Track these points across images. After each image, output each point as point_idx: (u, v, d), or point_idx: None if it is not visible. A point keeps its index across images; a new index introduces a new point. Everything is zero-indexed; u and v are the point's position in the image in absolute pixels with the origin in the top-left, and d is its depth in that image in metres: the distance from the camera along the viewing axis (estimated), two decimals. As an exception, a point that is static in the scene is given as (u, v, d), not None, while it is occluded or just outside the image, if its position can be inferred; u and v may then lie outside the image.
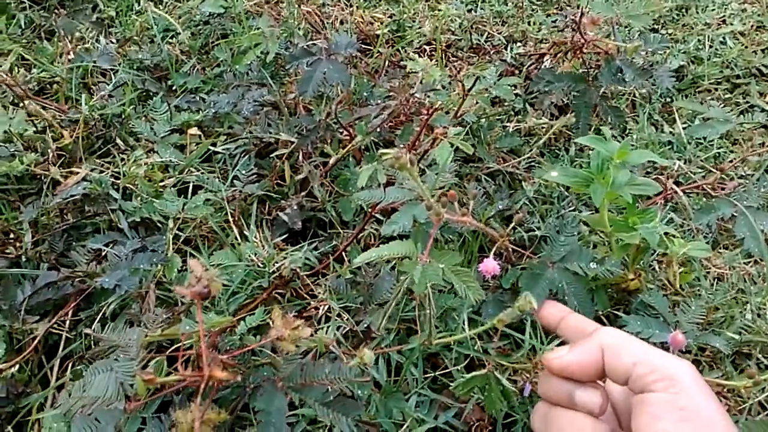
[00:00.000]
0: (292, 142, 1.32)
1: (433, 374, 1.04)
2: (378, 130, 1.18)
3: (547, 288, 1.06)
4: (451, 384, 0.93)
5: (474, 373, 0.91)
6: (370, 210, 1.21)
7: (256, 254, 1.15)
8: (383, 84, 1.36)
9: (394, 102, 1.13)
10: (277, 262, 1.14)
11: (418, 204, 1.05)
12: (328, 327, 1.09)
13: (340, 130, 1.36)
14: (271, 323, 0.74)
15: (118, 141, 1.45)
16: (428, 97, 1.15)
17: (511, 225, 1.06)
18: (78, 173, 1.34)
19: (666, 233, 1.10)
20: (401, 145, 1.18)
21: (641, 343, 0.62)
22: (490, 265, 0.99)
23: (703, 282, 1.22)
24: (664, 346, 1.07)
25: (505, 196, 1.38)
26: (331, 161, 1.21)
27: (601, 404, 0.63)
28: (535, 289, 1.06)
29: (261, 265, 1.15)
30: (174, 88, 1.63)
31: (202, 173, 1.37)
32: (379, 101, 1.39)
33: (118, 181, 1.32)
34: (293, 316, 0.74)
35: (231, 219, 1.23)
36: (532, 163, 1.52)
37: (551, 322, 0.81)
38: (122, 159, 1.39)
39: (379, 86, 1.37)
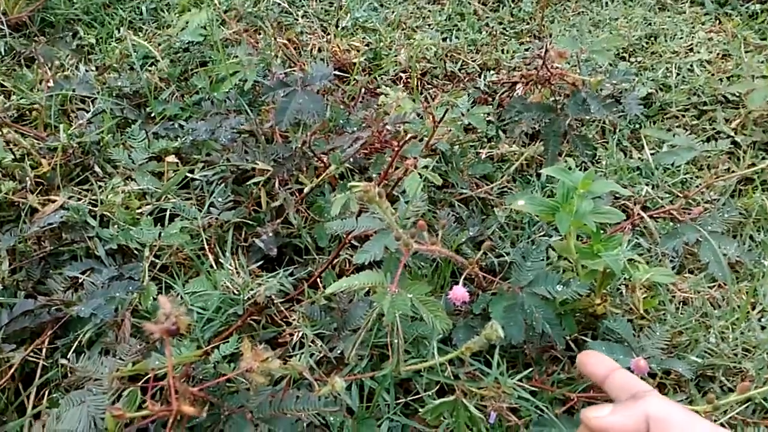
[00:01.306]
0: (269, 170, 1.34)
1: (404, 400, 1.07)
2: (352, 159, 1.21)
3: (518, 313, 1.09)
4: (423, 409, 0.95)
5: (442, 400, 0.94)
6: (344, 237, 1.23)
7: (231, 282, 1.17)
8: (358, 112, 1.39)
9: (366, 133, 1.16)
10: (251, 290, 1.16)
11: (389, 233, 1.08)
12: (302, 354, 1.11)
13: (316, 159, 1.38)
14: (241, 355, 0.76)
15: (96, 168, 1.46)
16: (400, 127, 1.18)
17: (480, 252, 1.09)
18: (56, 201, 1.35)
19: (630, 259, 1.14)
20: (373, 175, 1.21)
21: (689, 416, 0.57)
22: (459, 292, 1.02)
23: (668, 306, 1.26)
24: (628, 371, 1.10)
25: (477, 222, 1.41)
26: (306, 189, 1.24)
27: None
28: (504, 314, 1.09)
29: (236, 293, 1.17)
30: (153, 115, 1.66)
31: (180, 200, 1.39)
32: (355, 129, 1.42)
33: (96, 209, 1.33)
34: (263, 348, 0.75)
35: (207, 246, 1.25)
36: (505, 189, 1.56)
37: (597, 376, 0.72)
38: (100, 187, 1.40)
39: (355, 115, 1.40)
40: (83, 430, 0.72)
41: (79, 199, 1.38)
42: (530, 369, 1.10)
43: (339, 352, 1.12)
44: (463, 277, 1.07)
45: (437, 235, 1.03)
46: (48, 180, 1.42)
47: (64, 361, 0.97)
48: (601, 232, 1.14)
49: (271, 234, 1.31)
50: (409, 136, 1.12)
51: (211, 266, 1.25)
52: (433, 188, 1.53)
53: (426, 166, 1.05)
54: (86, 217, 1.32)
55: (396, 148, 1.10)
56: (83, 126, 1.55)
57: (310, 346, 1.13)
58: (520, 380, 1.03)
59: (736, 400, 0.89)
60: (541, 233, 1.43)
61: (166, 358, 0.68)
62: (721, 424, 1.05)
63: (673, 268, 1.37)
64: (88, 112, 1.62)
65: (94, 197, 1.38)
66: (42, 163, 1.42)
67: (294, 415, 0.78)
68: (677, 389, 1.12)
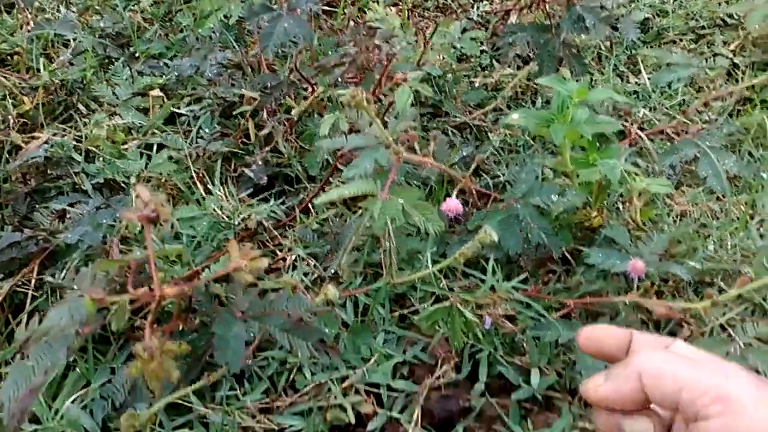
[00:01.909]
0: (256, 99, 1.31)
1: (400, 312, 1.05)
2: (340, 81, 1.18)
3: (514, 225, 1.07)
4: (417, 316, 0.94)
5: (437, 306, 0.93)
6: (335, 162, 1.21)
7: (221, 208, 1.15)
8: (347, 42, 1.36)
9: (354, 49, 1.13)
10: (241, 214, 1.14)
11: (379, 148, 1.05)
12: (294, 274, 1.10)
13: (304, 86, 1.35)
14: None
15: (80, 106, 1.44)
16: (389, 44, 1.15)
17: (473, 166, 1.06)
18: (39, 138, 1.33)
19: (627, 171, 1.11)
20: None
21: (686, 363, 0.51)
22: (452, 203, 1.00)
23: (666, 219, 1.24)
24: (625, 277, 1.09)
25: (471, 147, 1.38)
26: (293, 113, 1.21)
27: None
28: (499, 227, 1.07)
29: (226, 218, 1.15)
30: (137, 54, 1.62)
31: (166, 134, 1.36)
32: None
33: (81, 145, 1.31)
34: (251, 248, 0.74)
35: (195, 176, 1.23)
36: (499, 116, 1.53)
37: (613, 347, 0.60)
38: (84, 123, 1.38)
39: (343, 44, 1.36)
40: (66, 324, 0.70)
41: (64, 136, 1.35)
42: (523, 280, 1.08)
43: (333, 271, 1.10)
44: (456, 190, 1.04)
45: (429, 151, 1.01)
46: (31, 118, 1.39)
47: (50, 279, 0.95)
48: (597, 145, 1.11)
49: (260, 163, 1.28)
50: (398, 49, 1.09)
51: (202, 196, 1.23)
52: (426, 116, 1.50)
53: (416, 77, 1.02)
54: (71, 152, 1.29)
55: (385, 64, 1.07)
56: (65, 64, 1.52)
57: (303, 267, 1.11)
58: (515, 289, 1.02)
59: (735, 294, 0.87)
60: (537, 157, 1.40)
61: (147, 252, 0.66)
62: (721, 326, 1.04)
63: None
64: (70, 53, 1.58)
65: (78, 134, 1.36)
66: (24, 102, 1.39)
67: (284, 313, 0.76)
68: (676, 294, 1.10)
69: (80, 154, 1.30)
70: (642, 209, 1.17)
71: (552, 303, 1.04)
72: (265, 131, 1.30)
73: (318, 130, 1.28)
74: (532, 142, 1.45)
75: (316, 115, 1.38)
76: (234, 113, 1.36)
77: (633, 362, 0.53)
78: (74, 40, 1.60)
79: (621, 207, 1.26)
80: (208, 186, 1.25)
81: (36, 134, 1.35)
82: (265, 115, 1.35)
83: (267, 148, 1.29)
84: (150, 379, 0.70)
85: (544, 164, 1.30)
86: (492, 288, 1.00)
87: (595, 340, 0.59)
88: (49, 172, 1.29)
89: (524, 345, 1.00)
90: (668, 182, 1.14)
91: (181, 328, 0.86)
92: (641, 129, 1.48)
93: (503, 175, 1.30)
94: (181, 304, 0.82)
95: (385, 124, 1.23)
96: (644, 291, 1.05)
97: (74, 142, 1.32)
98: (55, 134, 1.36)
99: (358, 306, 1.07)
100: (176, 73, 1.49)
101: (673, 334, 1.06)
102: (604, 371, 0.55)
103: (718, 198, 1.31)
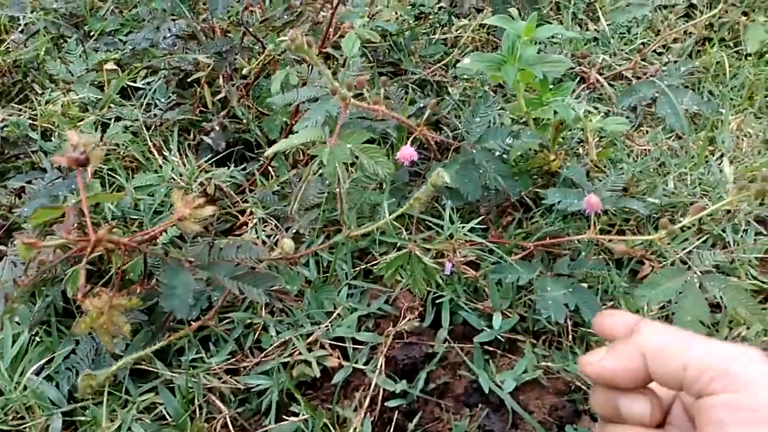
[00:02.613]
0: (210, 65, 1.30)
1: (362, 266, 1.05)
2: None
3: (471, 171, 1.07)
4: (377, 266, 0.94)
5: (396, 253, 0.92)
6: (291, 122, 1.20)
7: (180, 175, 1.14)
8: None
9: (298, 1, 1.11)
10: (198, 179, 1.13)
11: (330, 99, 1.04)
12: (257, 237, 1.09)
13: (259, 49, 1.34)
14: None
15: (35, 86, 1.42)
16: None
17: (426, 113, 1.06)
18: (-7, 119, 1.31)
19: (585, 111, 1.11)
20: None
21: (690, 338, 0.49)
22: (407, 151, 1.00)
23: (625, 159, 1.24)
24: (586, 217, 1.09)
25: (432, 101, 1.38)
26: (244, 71, 1.20)
27: (651, 413, 0.52)
28: (457, 174, 1.07)
29: (185, 185, 1.14)
30: (91, 33, 1.59)
31: (123, 107, 1.34)
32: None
33: (37, 123, 1.29)
34: (195, 197, 0.73)
35: (151, 144, 1.22)
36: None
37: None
38: (40, 103, 1.36)
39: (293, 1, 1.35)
40: (5, 277, 0.70)
41: (20, 115, 1.33)
42: (484, 229, 1.08)
43: (294, 231, 1.10)
44: (410, 138, 1.04)
45: (380, 98, 1.00)
46: (-16, 101, 1.37)
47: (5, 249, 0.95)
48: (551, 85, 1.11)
49: (218, 129, 1.27)
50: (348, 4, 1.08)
51: (159, 165, 1.22)
52: (387, 75, 1.49)
53: (364, 25, 1.01)
54: (27, 131, 1.28)
55: (331, 12, 1.05)
56: (18, 45, 1.49)
57: (263, 229, 1.11)
58: (474, 234, 1.02)
59: (689, 221, 0.88)
60: (498, 108, 1.40)
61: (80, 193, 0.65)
62: (681, 260, 1.05)
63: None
64: (24, 32, 1.56)
65: (34, 113, 1.34)
66: (-24, 84, 1.37)
67: (233, 262, 0.76)
68: (636, 231, 1.11)
69: (37, 133, 1.28)
70: (601, 151, 1.17)
71: (512, 247, 1.04)
72: (220, 96, 1.29)
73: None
74: (492, 94, 1.45)
75: (272, 77, 1.37)
76: (190, 81, 1.35)
77: (636, 339, 0.52)
78: (24, 21, 1.56)
79: (581, 151, 1.26)
80: (166, 155, 1.24)
81: (-10, 116, 1.33)
82: (221, 81, 1.33)
83: (223, 112, 1.28)
84: (101, 334, 0.70)
85: (502, 109, 1.30)
86: (451, 236, 1.00)
87: (609, 326, 0.56)
88: (6, 152, 1.27)
89: (486, 290, 1.01)
90: (625, 120, 1.13)
91: (139, 291, 0.86)
92: (600, 74, 1.47)
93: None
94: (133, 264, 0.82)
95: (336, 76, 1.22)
96: (603, 229, 1.06)
97: (30, 121, 1.31)
98: (11, 115, 1.34)
99: (321, 264, 1.07)
100: (131, 47, 1.47)
101: (634, 272, 1.07)
102: (604, 347, 0.53)
103: (678, 136, 1.31)
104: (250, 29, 1.26)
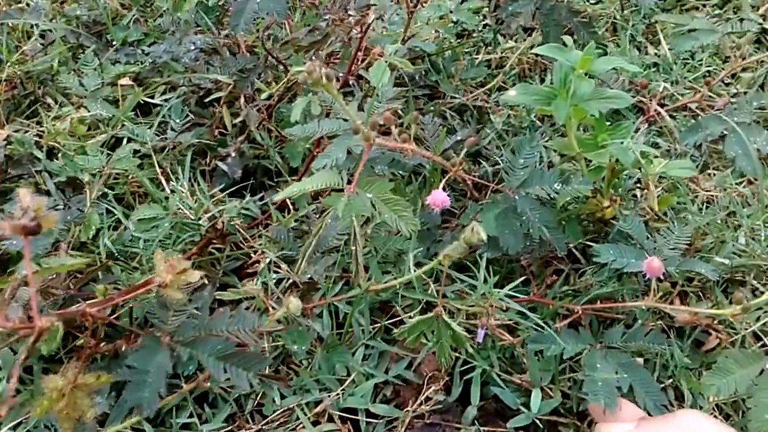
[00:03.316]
0: (230, 84, 1.19)
1: (382, 323, 0.93)
2: (314, 57, 1.05)
3: (512, 219, 0.93)
4: (398, 329, 0.82)
5: (420, 317, 0.80)
6: (314, 151, 1.08)
7: (185, 205, 1.04)
8: (326, 14, 1.22)
9: (324, 22, 1.00)
10: (208, 213, 1.02)
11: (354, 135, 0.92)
12: (265, 280, 0.98)
13: (282, 68, 1.23)
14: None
15: (48, 100, 1.33)
16: (366, 15, 1.01)
17: (464, 150, 0.92)
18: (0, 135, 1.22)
19: (643, 153, 0.97)
20: (340, 74, 1.05)
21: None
22: (439, 196, 0.87)
23: (689, 207, 1.09)
24: (642, 277, 0.95)
25: (471, 131, 1.25)
26: (263, 96, 1.08)
27: None
28: (496, 222, 0.94)
29: (190, 218, 1.03)
30: (113, 42, 1.51)
31: (138, 126, 1.24)
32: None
33: (43, 141, 1.20)
34: (182, 258, 0.62)
35: (159, 170, 1.11)
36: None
37: None
38: (48, 118, 1.27)
39: (321, 15, 1.23)
40: None
41: (26, 132, 1.25)
42: (525, 282, 0.95)
43: (309, 276, 0.98)
44: (443, 181, 0.91)
45: (409, 134, 0.87)
46: (-7, 114, 1.29)
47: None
48: (607, 123, 0.97)
49: (234, 155, 1.16)
50: (372, 17, 0.95)
51: (166, 197, 1.11)
52: (422, 98, 1.37)
53: (396, 51, 0.89)
54: (32, 149, 1.19)
55: (360, 35, 0.93)
56: (33, 56, 1.41)
57: (276, 271, 0.99)
58: (514, 296, 0.89)
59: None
60: (545, 139, 1.26)
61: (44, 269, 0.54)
62: (754, 334, 0.90)
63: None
64: (42, 42, 1.48)
65: (42, 129, 1.25)
66: (-14, 96, 1.29)
67: (222, 337, 0.64)
68: (701, 296, 0.96)
69: (42, 151, 1.19)
70: (661, 197, 1.02)
71: (557, 309, 0.91)
72: (240, 119, 1.18)
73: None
74: (539, 123, 1.31)
75: (293, 105, 1.26)
76: (209, 100, 1.24)
77: (673, 419, 0.55)
78: (42, 28, 1.48)
79: (638, 195, 1.11)
80: (179, 182, 1.13)
81: (-1, 131, 1.24)
82: (242, 101, 1.23)
83: (241, 137, 1.17)
84: (60, 420, 0.59)
85: (548, 147, 1.16)
86: (485, 293, 0.87)
87: None
88: (9, 171, 1.18)
89: (524, 359, 0.87)
90: (691, 164, 0.99)
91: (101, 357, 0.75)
92: (661, 105, 1.33)
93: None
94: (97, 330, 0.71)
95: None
96: (664, 293, 0.92)
97: (36, 138, 1.22)
98: (17, 130, 1.25)
99: (337, 316, 0.95)
100: (151, 61, 1.38)
101: (699, 342, 0.92)
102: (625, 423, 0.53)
103: (749, 181, 1.15)
104: (275, 47, 1.15)
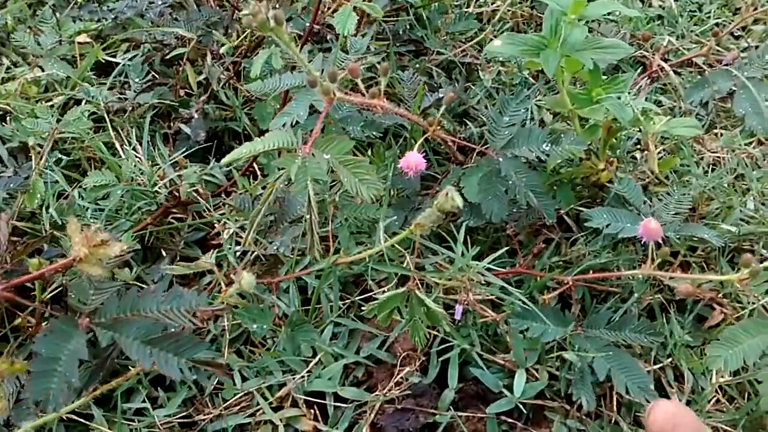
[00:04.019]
0: (192, 38, 1.09)
1: (352, 299, 0.84)
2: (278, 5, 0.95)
3: (496, 183, 0.84)
4: (367, 306, 0.73)
5: (390, 293, 0.72)
6: (278, 110, 0.99)
7: (141, 172, 0.95)
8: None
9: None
10: (164, 179, 0.93)
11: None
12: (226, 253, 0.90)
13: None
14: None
15: (2, 59, 1.23)
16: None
17: (442, 108, 0.83)
18: (-54, 97, 1.13)
19: (643, 110, 0.88)
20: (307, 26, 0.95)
21: None
22: (413, 158, 0.77)
23: (693, 169, 1.00)
24: (640, 244, 0.86)
25: (459, 90, 1.15)
26: (223, 50, 0.99)
27: None
28: (479, 187, 0.85)
29: (142, 185, 0.95)
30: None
31: (96, 87, 1.15)
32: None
33: (-7, 103, 1.11)
34: (98, 229, 0.53)
35: (113, 134, 1.02)
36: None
37: None
38: (0, 77, 1.17)
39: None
40: None
41: (-23, 94, 1.15)
42: (511, 253, 0.86)
43: (276, 248, 0.90)
44: (419, 142, 0.81)
45: (380, 89, 0.78)
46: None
47: None
48: (603, 76, 0.87)
49: (197, 116, 1.07)
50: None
51: (126, 159, 1.02)
52: (407, 55, 1.26)
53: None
54: (-18, 112, 1.10)
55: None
56: (-13, 13, 1.31)
57: (235, 242, 0.91)
58: (500, 267, 0.80)
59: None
60: (537, 97, 1.16)
61: None
62: (764, 307, 0.81)
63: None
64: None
65: (-7, 90, 1.16)
66: (-67, 55, 1.19)
67: (152, 319, 0.56)
68: (705, 267, 0.88)
69: (-7, 115, 1.10)
70: (663, 158, 0.93)
71: (546, 282, 0.82)
72: (204, 76, 1.09)
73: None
74: (533, 81, 1.21)
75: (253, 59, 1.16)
76: (171, 58, 1.14)
77: None
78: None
79: (638, 158, 1.02)
80: (135, 146, 1.04)
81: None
82: (209, 58, 1.13)
83: (204, 96, 1.07)
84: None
85: (541, 106, 1.07)
86: (465, 267, 0.78)
87: None
88: (-41, 136, 1.10)
89: (508, 339, 0.79)
90: (696, 123, 0.89)
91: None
92: (665, 60, 1.22)
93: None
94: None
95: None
96: (663, 262, 0.83)
97: (-13, 101, 1.12)
98: (-33, 92, 1.16)
99: (306, 292, 0.86)
100: (113, 17, 1.27)
101: (701, 318, 0.84)
102: None
103: (760, 141, 1.06)
104: (240, -2, 1.05)
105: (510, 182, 0.84)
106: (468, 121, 1.11)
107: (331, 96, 0.69)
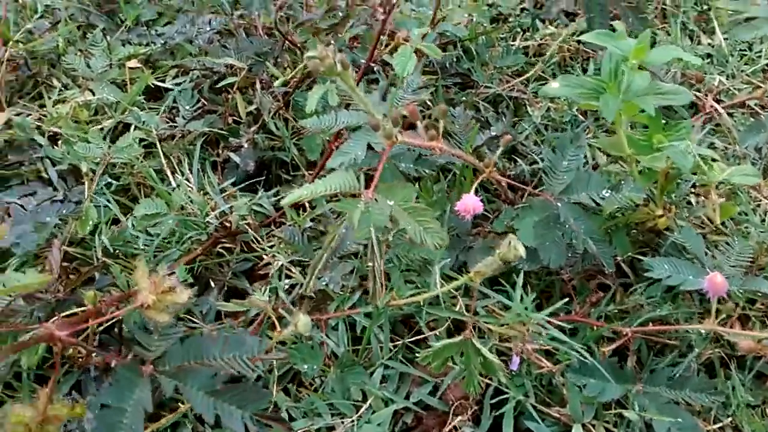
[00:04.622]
0: (243, 68, 1.09)
1: (403, 341, 0.83)
2: (332, 41, 0.95)
3: (553, 229, 0.83)
4: (421, 353, 0.72)
5: (446, 341, 0.70)
6: (333, 144, 0.99)
7: (191, 201, 0.95)
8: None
9: (344, 1, 0.89)
10: (216, 209, 0.93)
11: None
12: (275, 287, 0.89)
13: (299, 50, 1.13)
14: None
15: (54, 81, 1.25)
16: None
17: (500, 149, 0.82)
18: (-1, 118, 1.14)
19: (702, 156, 0.86)
20: (361, 62, 0.95)
21: None
22: (470, 201, 0.76)
23: (751, 217, 0.97)
24: (700, 297, 0.84)
25: (506, 125, 1.14)
26: (276, 83, 0.99)
27: None
28: (535, 231, 0.83)
29: (199, 215, 0.94)
30: (125, 22, 1.42)
31: (146, 112, 1.15)
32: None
33: (44, 126, 1.12)
34: (169, 275, 0.52)
35: (165, 161, 1.02)
36: (542, 87, 1.27)
37: None
38: (55, 103, 1.19)
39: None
40: None
41: (29, 115, 1.16)
42: (568, 300, 0.84)
43: (325, 284, 0.89)
44: (475, 184, 0.80)
45: (437, 129, 0.77)
46: (-6, 96, 1.21)
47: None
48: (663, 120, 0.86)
49: (247, 145, 1.07)
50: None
51: (175, 187, 1.02)
52: (454, 88, 1.26)
53: (424, 35, 0.78)
54: (33, 134, 1.11)
55: (383, 17, 0.83)
56: (41, 34, 1.33)
57: (286, 277, 0.90)
58: (554, 314, 0.78)
59: None
60: (588, 136, 1.15)
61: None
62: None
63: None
64: (50, 21, 1.39)
65: (44, 113, 1.17)
66: (-13, 77, 1.21)
67: (213, 367, 0.55)
68: (765, 321, 0.85)
69: (44, 137, 1.11)
70: (722, 207, 0.91)
71: (602, 332, 0.80)
72: (254, 107, 1.09)
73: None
74: (582, 118, 1.20)
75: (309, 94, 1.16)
76: (221, 86, 1.15)
77: None
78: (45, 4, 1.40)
79: (693, 202, 1.00)
80: (186, 176, 1.04)
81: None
82: (258, 87, 1.13)
83: (254, 127, 1.07)
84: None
85: (592, 145, 1.05)
86: (521, 315, 0.76)
87: None
88: (9, 157, 1.11)
89: (564, 391, 0.77)
90: (756, 171, 0.87)
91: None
92: (717, 101, 1.20)
93: (543, 161, 1.05)
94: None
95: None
96: (725, 316, 0.81)
97: (38, 123, 1.14)
98: (19, 114, 1.17)
99: (354, 330, 0.85)
100: (162, 42, 1.29)
101: (761, 374, 0.81)
102: None
103: (819, 189, 1.04)
104: (290, 29, 1.05)
105: (566, 227, 0.82)
106: (517, 158, 1.10)
107: (393, 140, 0.68)
